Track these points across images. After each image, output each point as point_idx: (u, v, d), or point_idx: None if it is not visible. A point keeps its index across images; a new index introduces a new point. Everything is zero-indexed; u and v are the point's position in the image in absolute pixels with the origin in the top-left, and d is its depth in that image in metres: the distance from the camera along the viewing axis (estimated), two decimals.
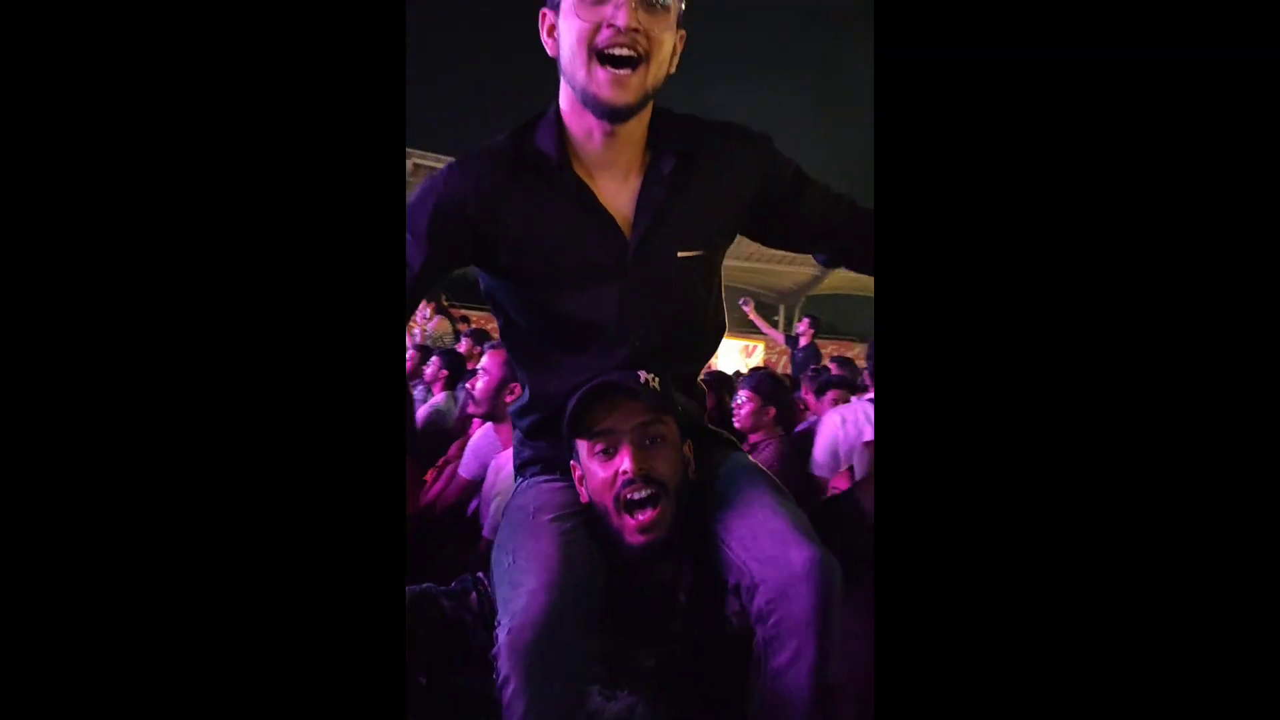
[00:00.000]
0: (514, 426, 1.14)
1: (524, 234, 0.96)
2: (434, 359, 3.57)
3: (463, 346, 4.37)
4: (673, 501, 0.92)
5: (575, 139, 0.96)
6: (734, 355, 11.07)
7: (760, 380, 2.77)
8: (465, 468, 2.42)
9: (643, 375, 0.94)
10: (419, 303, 1.08)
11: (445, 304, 5.38)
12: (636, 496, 0.90)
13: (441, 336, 4.99)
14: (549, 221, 0.96)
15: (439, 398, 3.34)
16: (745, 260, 10.19)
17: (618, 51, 0.86)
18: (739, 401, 2.71)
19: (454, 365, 3.49)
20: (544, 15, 0.93)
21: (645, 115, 0.95)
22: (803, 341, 6.01)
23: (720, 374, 3.52)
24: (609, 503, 0.92)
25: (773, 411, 2.68)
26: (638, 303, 0.98)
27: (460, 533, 2.27)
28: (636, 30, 0.85)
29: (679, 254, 0.98)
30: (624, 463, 0.91)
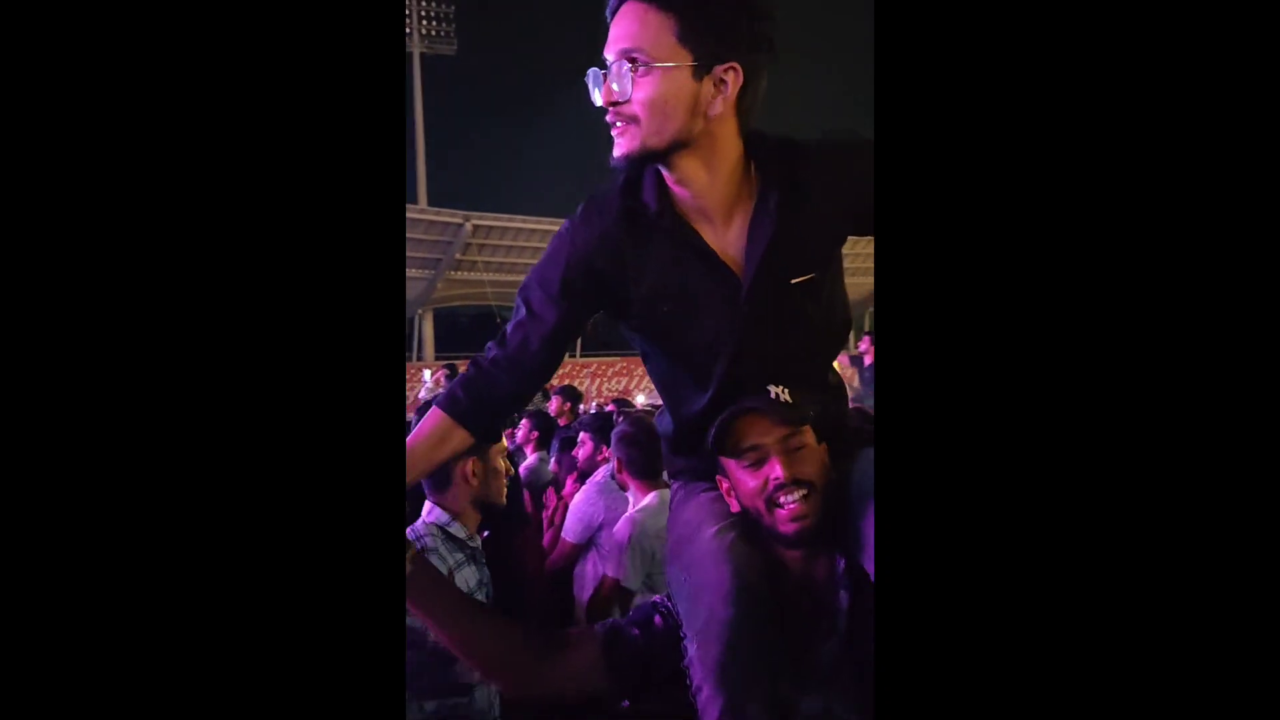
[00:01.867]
0: (663, 444, 1.23)
1: (643, 280, 1.01)
2: (524, 420, 3.50)
3: (552, 406, 4.33)
4: (819, 495, 1.00)
5: (672, 189, 0.99)
6: None
7: None
8: (570, 532, 2.51)
9: (773, 391, 1.00)
10: (560, 356, 1.10)
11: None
12: (789, 499, 0.99)
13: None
14: (664, 267, 1.00)
15: (532, 459, 3.35)
16: None
17: (609, 119, 0.94)
18: None
19: (544, 426, 3.47)
20: None
21: (731, 152, 0.97)
22: (867, 360, 5.76)
23: None
24: (761, 505, 1.00)
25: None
26: (755, 331, 1.01)
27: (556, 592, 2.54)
28: (614, 104, 0.92)
29: (792, 281, 1.00)
30: (775, 470, 0.99)
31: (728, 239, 0.99)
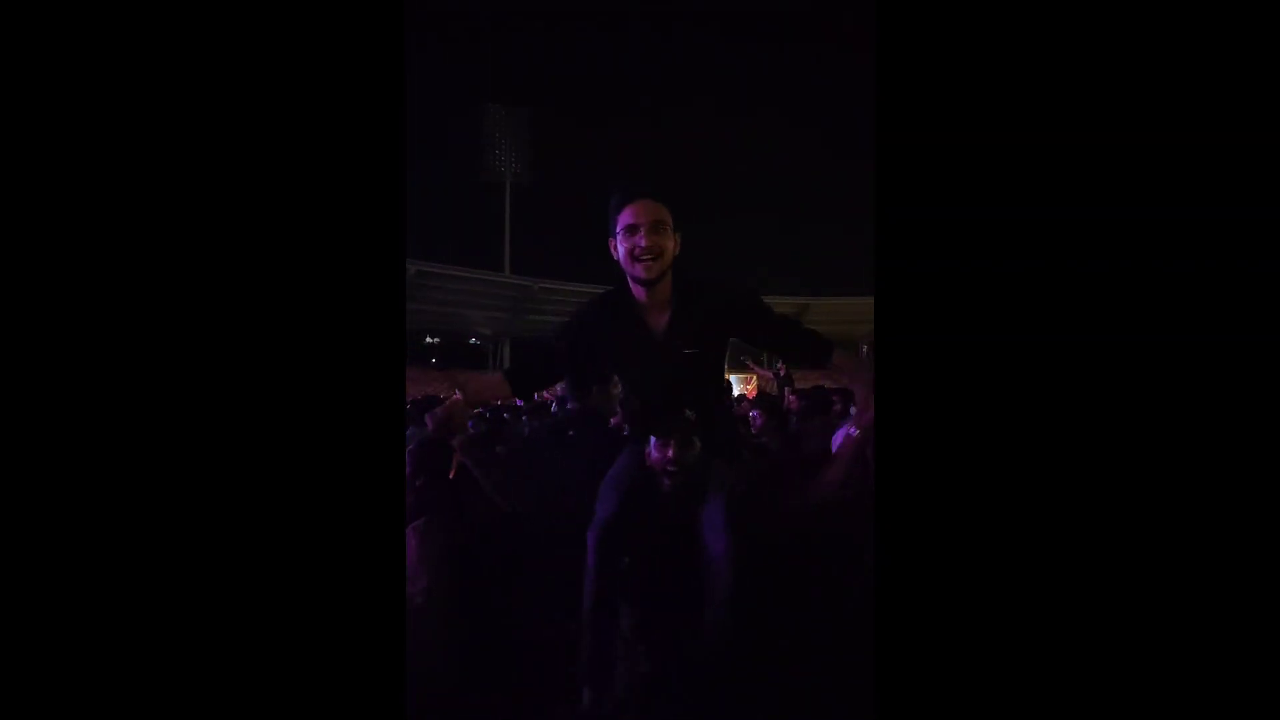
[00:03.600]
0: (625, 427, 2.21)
1: (611, 345, 1.77)
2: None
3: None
4: (684, 473, 1.70)
5: (635, 294, 1.70)
6: (737, 386, 13.62)
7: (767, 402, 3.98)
8: None
9: (688, 412, 1.73)
10: (556, 380, 2.06)
11: None
12: (672, 470, 1.70)
13: None
14: (623, 335, 1.74)
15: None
16: None
17: (645, 258, 1.61)
18: (753, 415, 3.80)
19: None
20: (611, 242, 1.68)
21: (668, 280, 1.68)
22: (782, 372, 7.45)
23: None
24: (657, 467, 1.72)
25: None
26: (667, 375, 1.75)
27: None
28: (650, 246, 1.60)
29: (685, 351, 1.72)
30: (670, 452, 1.70)
31: (659, 324, 1.71)
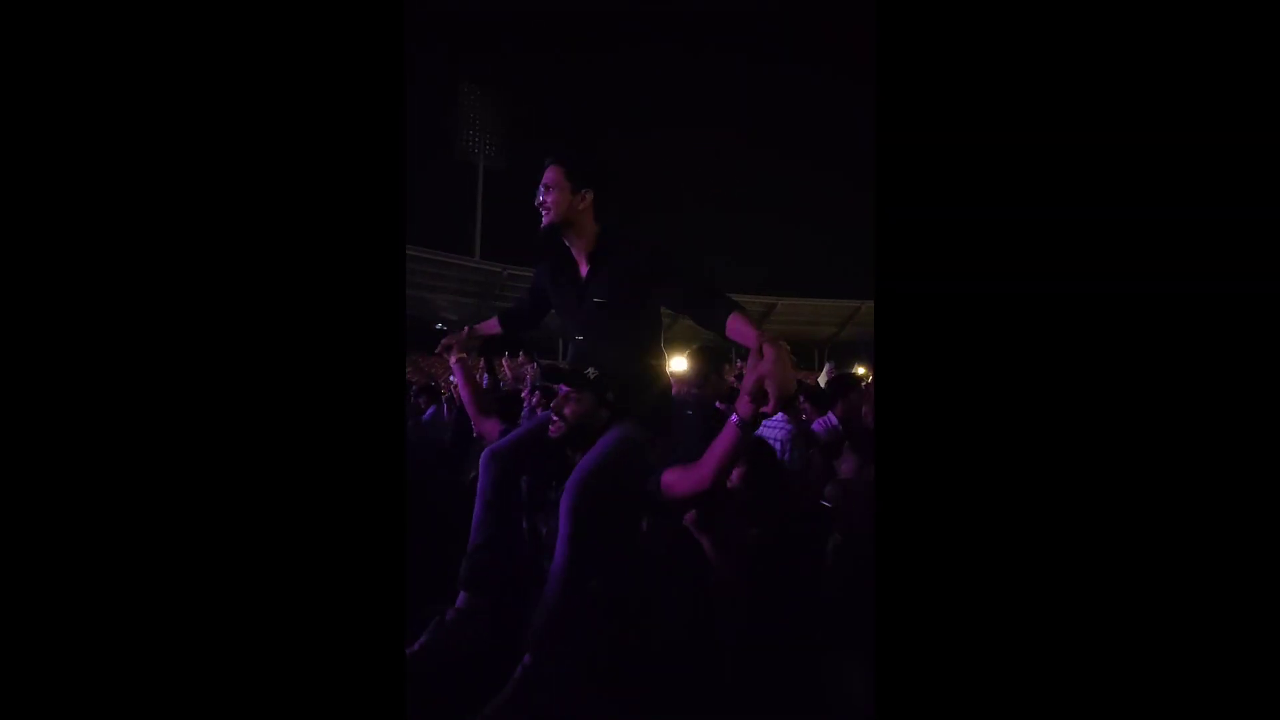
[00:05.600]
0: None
1: (552, 287, 1.99)
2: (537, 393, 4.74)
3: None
4: (566, 426, 1.79)
5: (566, 243, 1.93)
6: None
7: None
8: None
9: (591, 370, 1.82)
10: (538, 316, 2.20)
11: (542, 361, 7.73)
12: (553, 423, 1.81)
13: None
14: (560, 278, 1.96)
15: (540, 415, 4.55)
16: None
17: (542, 209, 1.85)
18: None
19: (548, 394, 4.85)
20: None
21: (589, 231, 1.90)
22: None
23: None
24: (553, 415, 1.82)
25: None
26: (585, 318, 1.91)
27: None
28: (544, 200, 1.84)
29: (595, 300, 1.88)
30: (562, 404, 1.79)
31: (583, 273, 1.89)
